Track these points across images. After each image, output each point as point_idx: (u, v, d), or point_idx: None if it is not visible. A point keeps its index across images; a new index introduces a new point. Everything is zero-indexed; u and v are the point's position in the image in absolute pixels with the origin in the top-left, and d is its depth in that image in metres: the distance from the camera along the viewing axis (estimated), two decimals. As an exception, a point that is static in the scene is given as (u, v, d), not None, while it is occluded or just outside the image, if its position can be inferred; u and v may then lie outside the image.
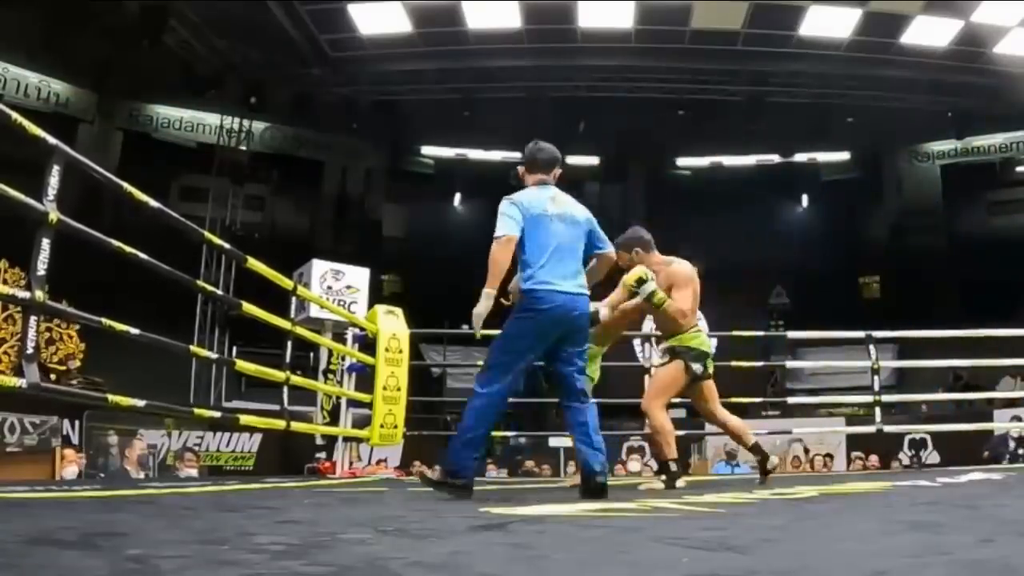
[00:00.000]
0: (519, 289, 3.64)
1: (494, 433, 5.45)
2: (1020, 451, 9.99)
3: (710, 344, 4.58)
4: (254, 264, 4.62)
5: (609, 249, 3.80)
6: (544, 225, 3.54)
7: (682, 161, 18.65)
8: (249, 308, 4.57)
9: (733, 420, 4.67)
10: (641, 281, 4.32)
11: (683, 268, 4.48)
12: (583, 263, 3.69)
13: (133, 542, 1.72)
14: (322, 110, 15.11)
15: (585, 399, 3.59)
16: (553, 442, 11.01)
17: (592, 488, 3.38)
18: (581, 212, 3.69)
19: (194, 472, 8.32)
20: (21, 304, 2.97)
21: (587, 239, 3.67)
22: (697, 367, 4.42)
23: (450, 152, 18.46)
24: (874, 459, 10.51)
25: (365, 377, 6.52)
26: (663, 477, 4.35)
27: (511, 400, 3.59)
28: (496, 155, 18.52)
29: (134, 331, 3.43)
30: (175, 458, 8.92)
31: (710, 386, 4.61)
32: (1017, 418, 9.63)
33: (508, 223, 3.52)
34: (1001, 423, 9.65)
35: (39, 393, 2.98)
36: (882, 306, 16.79)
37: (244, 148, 15.03)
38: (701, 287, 4.52)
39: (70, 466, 7.61)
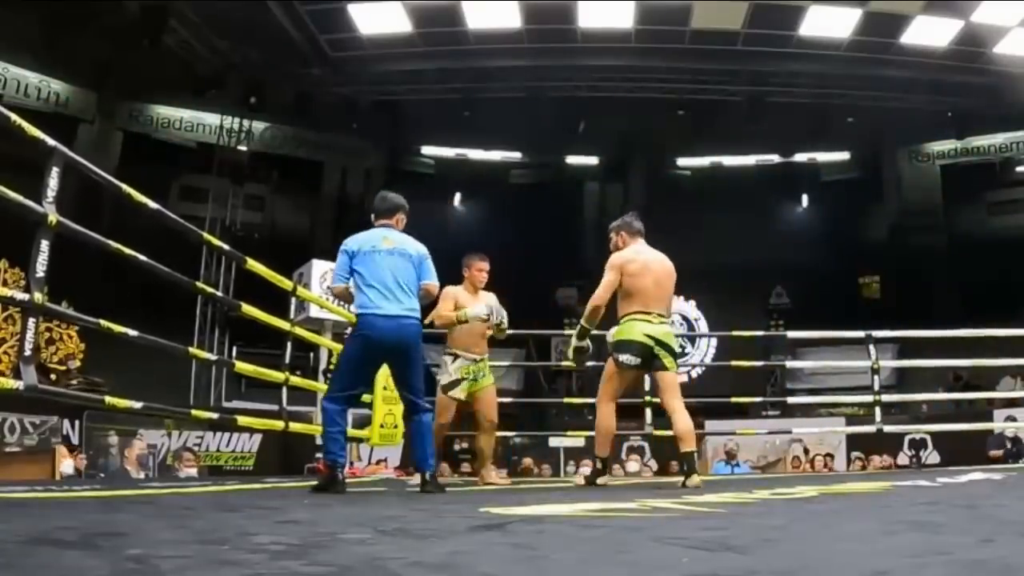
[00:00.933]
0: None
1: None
2: (1017, 450, 10.00)
3: (643, 332, 4.42)
4: (254, 265, 4.63)
5: (427, 281, 4.29)
6: (375, 259, 4.14)
7: (682, 161, 18.63)
8: (249, 309, 4.58)
9: (681, 420, 4.39)
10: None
11: (614, 257, 4.64)
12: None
13: (133, 542, 1.72)
14: (322, 110, 15.10)
15: (420, 413, 4.22)
16: (553, 442, 11.03)
17: (426, 487, 4.08)
18: (414, 248, 4.28)
19: (193, 472, 8.32)
20: (20, 306, 2.97)
21: (418, 270, 4.24)
22: (624, 358, 4.47)
23: (450, 152, 18.46)
24: (875, 459, 10.51)
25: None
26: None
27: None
28: (496, 155, 18.53)
29: (133, 332, 3.43)
30: (174, 458, 8.92)
31: (663, 377, 4.50)
32: (1011, 418, 9.64)
33: (336, 277, 4.29)
34: (1002, 423, 9.65)
35: (37, 395, 2.98)
36: (882, 306, 16.78)
37: (244, 148, 15.03)
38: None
39: (65, 460, 7.61)
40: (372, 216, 4.43)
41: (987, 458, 9.01)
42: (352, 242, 4.23)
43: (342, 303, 5.13)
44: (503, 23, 12.86)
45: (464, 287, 5.42)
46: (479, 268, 5.42)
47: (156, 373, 9.46)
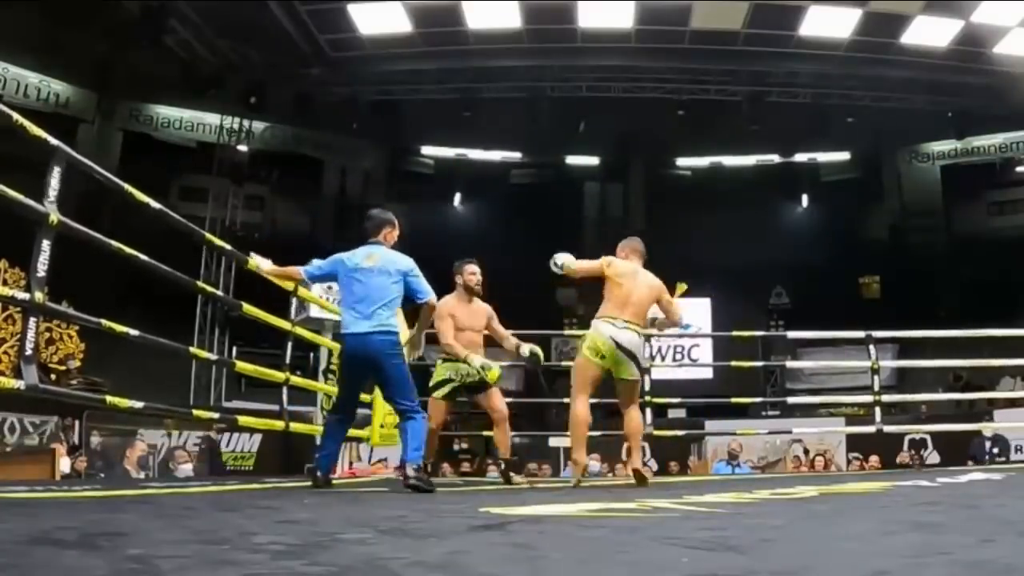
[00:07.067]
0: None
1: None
2: (995, 450, 9.99)
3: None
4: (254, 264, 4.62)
5: (423, 300, 4.53)
6: (356, 277, 4.32)
7: (682, 161, 18.62)
8: (250, 309, 4.58)
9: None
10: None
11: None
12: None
13: (133, 542, 1.72)
14: (322, 110, 15.09)
15: (405, 419, 4.26)
16: (553, 442, 11.01)
17: (408, 481, 4.08)
18: (396, 266, 4.40)
19: (189, 468, 8.29)
20: (21, 305, 2.97)
21: (406, 286, 4.41)
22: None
23: (450, 152, 18.45)
24: (874, 459, 10.50)
25: (365, 377, 6.51)
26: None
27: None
28: (496, 155, 18.52)
29: (133, 332, 3.43)
30: (170, 458, 8.93)
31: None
32: (989, 418, 9.66)
33: (314, 267, 4.59)
34: (1001, 423, 9.65)
35: (37, 395, 2.99)
36: (882, 306, 16.78)
37: (244, 148, 15.03)
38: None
39: (61, 459, 7.61)
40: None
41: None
42: (345, 257, 4.39)
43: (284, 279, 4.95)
44: (503, 23, 12.85)
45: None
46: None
47: (156, 373, 9.46)
